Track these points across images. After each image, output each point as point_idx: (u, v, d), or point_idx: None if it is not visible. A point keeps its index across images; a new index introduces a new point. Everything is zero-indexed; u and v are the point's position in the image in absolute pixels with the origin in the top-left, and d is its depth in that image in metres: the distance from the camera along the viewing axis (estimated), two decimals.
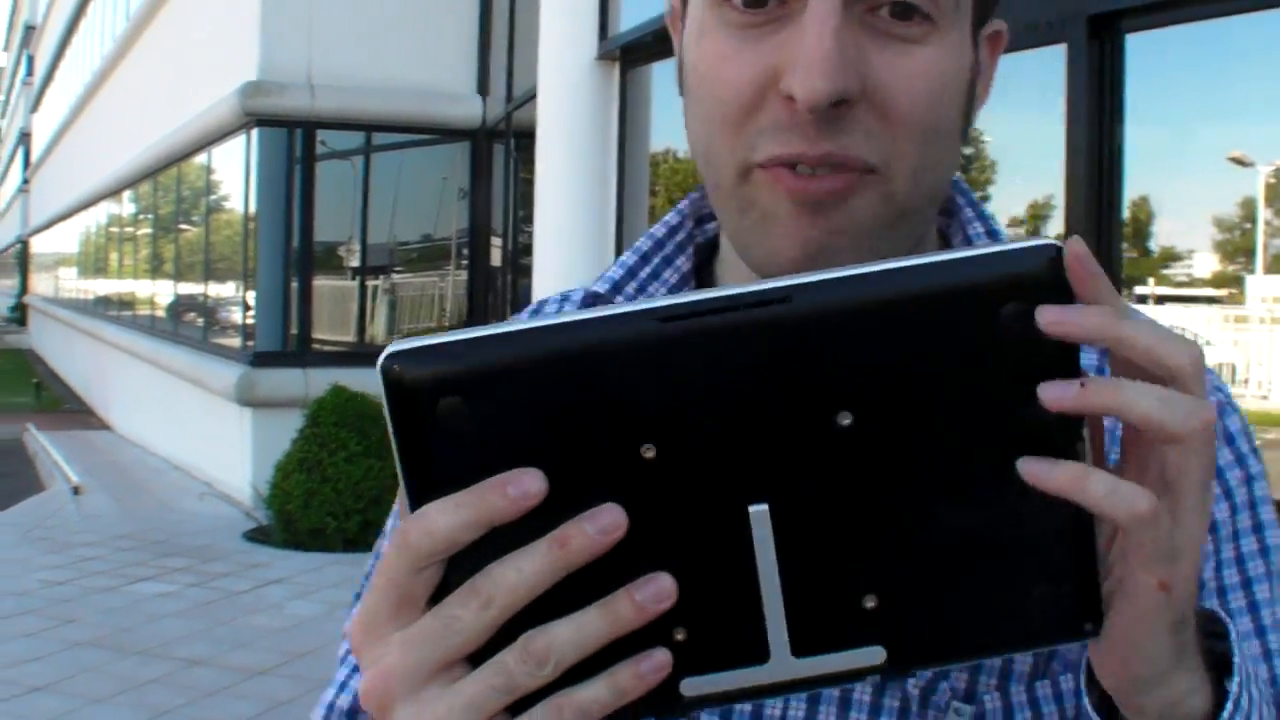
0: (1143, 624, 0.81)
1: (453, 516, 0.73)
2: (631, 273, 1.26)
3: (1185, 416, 0.76)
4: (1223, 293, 7.18)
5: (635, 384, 0.74)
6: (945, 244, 1.27)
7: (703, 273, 1.29)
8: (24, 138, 62.91)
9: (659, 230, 1.30)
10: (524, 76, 11.50)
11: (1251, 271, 7.07)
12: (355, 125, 14.47)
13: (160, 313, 20.87)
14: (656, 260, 1.27)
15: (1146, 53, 5.19)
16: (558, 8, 9.41)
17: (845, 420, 0.74)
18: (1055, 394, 0.75)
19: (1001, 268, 0.75)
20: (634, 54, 9.07)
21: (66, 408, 26.45)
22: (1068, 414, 0.76)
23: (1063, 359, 0.76)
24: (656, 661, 0.75)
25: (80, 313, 30.83)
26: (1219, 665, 0.90)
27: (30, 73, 58.66)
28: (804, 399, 0.74)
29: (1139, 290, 6.67)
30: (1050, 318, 0.74)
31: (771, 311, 0.74)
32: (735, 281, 1.08)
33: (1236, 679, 0.89)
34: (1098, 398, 0.75)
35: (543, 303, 1.36)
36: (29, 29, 58.82)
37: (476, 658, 0.75)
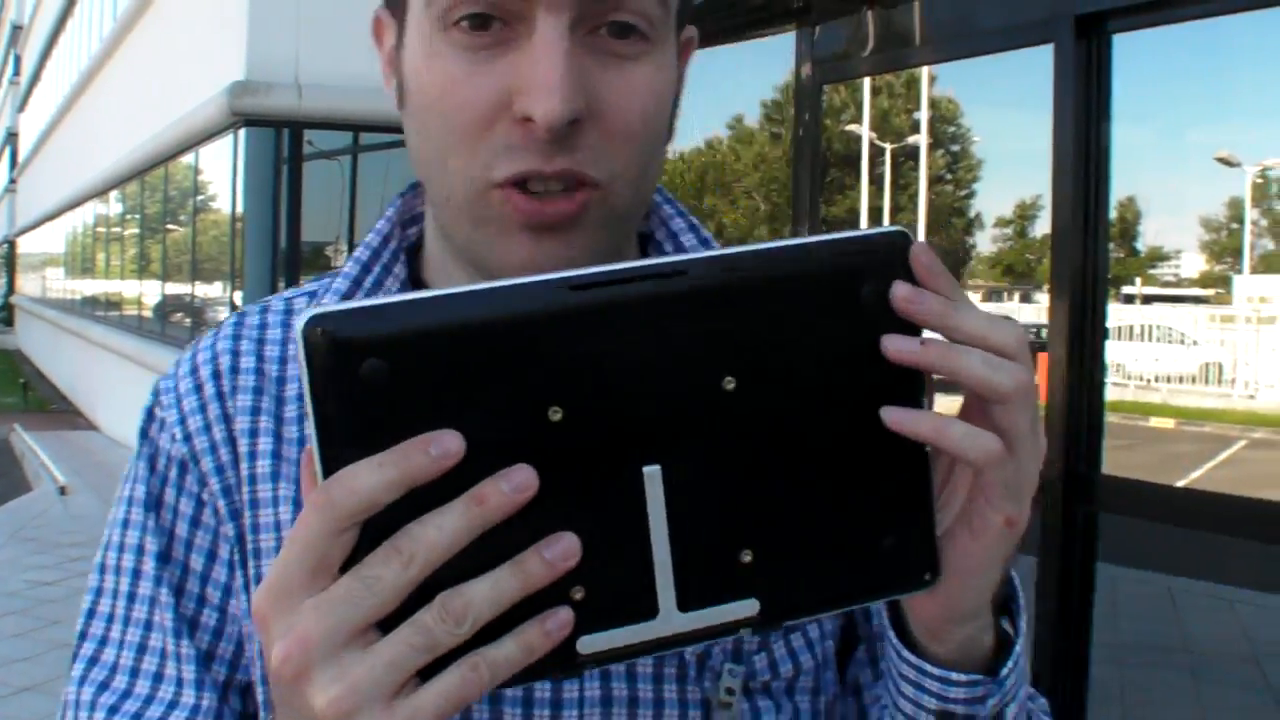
0: (986, 559, 0.93)
1: (376, 475, 0.75)
2: (357, 282, 1.28)
3: (1009, 378, 0.87)
4: (1210, 292, 7.18)
5: (544, 349, 0.77)
6: (644, 240, 1.35)
7: (414, 278, 1.32)
8: (11, 138, 62.83)
9: (374, 239, 1.32)
10: None
11: (1238, 271, 7.09)
12: (343, 125, 14.44)
13: (147, 313, 20.86)
14: (377, 269, 1.30)
15: (1134, 53, 5.20)
16: None
17: (729, 385, 0.80)
18: (898, 345, 0.84)
19: (862, 249, 0.84)
20: None
21: (53, 408, 26.44)
22: (911, 371, 0.85)
23: (909, 332, 0.85)
24: (560, 619, 0.78)
25: (67, 313, 30.82)
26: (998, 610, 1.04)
27: (17, 72, 58.54)
28: (694, 365, 0.79)
29: (1126, 290, 6.68)
30: (901, 293, 0.84)
31: (668, 284, 0.79)
32: (446, 278, 1.25)
33: (1024, 618, 1.08)
34: (936, 357, 0.86)
35: (243, 314, 1.37)
36: (15, 28, 58.69)
37: (387, 623, 0.77)
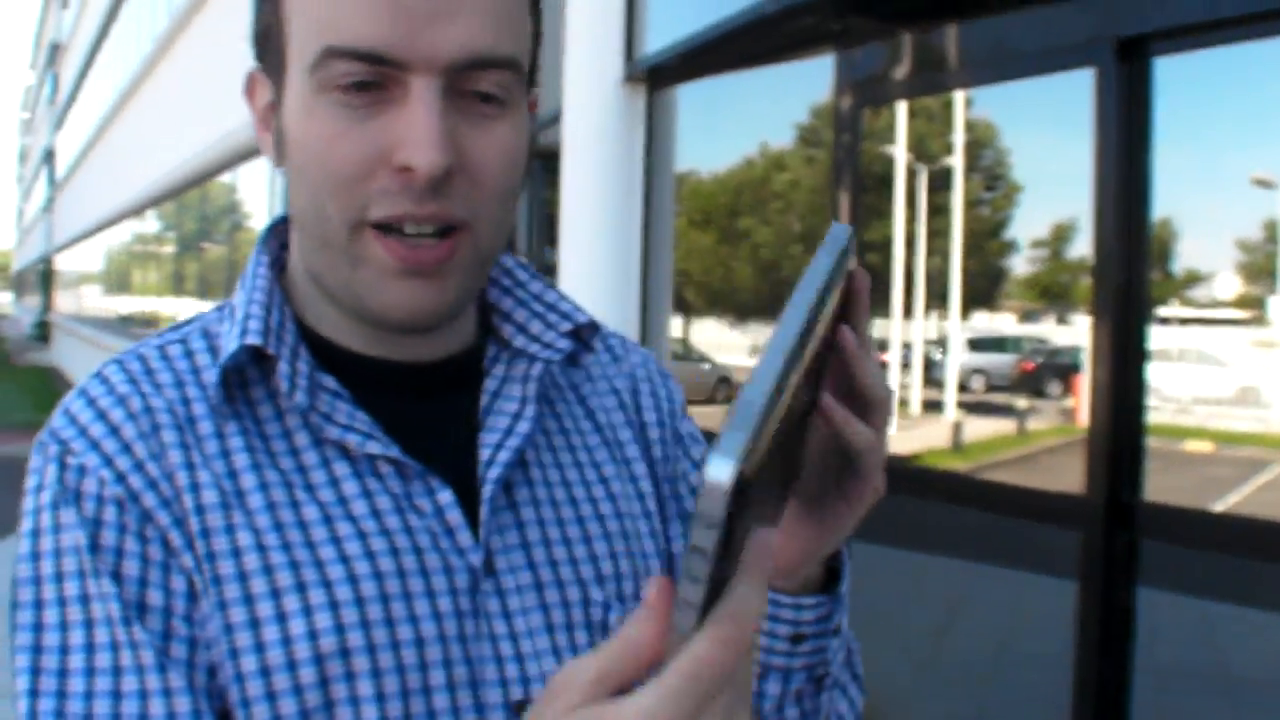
0: (854, 519, 1.25)
1: (758, 597, 0.82)
2: (263, 320, 1.36)
3: (884, 388, 1.17)
4: (1246, 315, 7.18)
5: None
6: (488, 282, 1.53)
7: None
8: (49, 156, 63.18)
9: (261, 277, 1.41)
10: (548, 98, 11.50)
11: (1275, 294, 7.06)
12: None
13: None
14: (273, 306, 1.38)
15: (1171, 76, 5.19)
16: (583, 28, 9.42)
17: None
18: (848, 337, 1.13)
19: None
20: (661, 76, 9.08)
21: None
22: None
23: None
24: None
25: (104, 330, 30.94)
26: None
27: (56, 91, 58.90)
28: None
29: (1162, 312, 6.66)
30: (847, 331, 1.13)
31: None
32: (318, 316, 1.40)
33: (845, 553, 1.43)
34: (859, 352, 1.16)
35: (122, 362, 1.39)
36: (55, 48, 59.06)
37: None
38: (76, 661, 1.20)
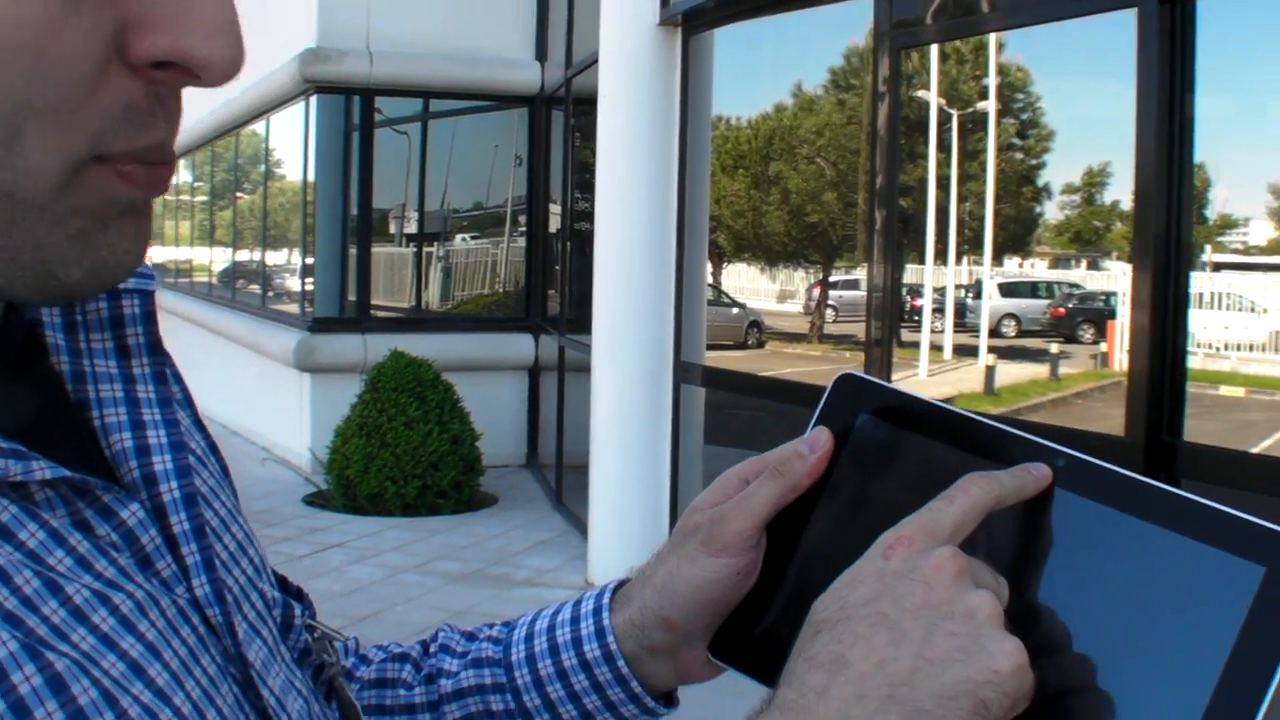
0: None
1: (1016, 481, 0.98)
2: None
3: None
4: (1276, 260, 7.15)
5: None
6: None
7: None
8: None
9: None
10: (584, 42, 11.48)
11: None
12: (413, 92, 14.51)
13: (217, 280, 20.95)
14: None
15: (1209, 18, 5.16)
16: None
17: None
18: None
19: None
20: (696, 19, 9.06)
21: None
22: None
23: None
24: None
25: None
26: None
27: None
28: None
29: (1200, 259, 6.64)
30: None
31: None
32: None
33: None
34: None
35: None
36: None
37: None
38: None
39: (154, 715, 0.79)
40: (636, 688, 1.16)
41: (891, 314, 7.43)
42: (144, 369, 0.97)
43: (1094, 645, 0.91)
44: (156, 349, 0.98)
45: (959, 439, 1.02)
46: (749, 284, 12.39)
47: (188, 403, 1.08)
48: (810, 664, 0.89)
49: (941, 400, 1.18)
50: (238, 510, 1.06)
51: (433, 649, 1.25)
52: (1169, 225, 5.09)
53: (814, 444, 1.07)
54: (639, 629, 1.14)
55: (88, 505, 0.85)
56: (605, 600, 1.18)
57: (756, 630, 1.09)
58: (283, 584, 1.12)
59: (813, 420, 1.09)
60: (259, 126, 17.44)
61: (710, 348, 10.45)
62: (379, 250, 14.85)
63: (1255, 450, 6.33)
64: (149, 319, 0.98)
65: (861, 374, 1.10)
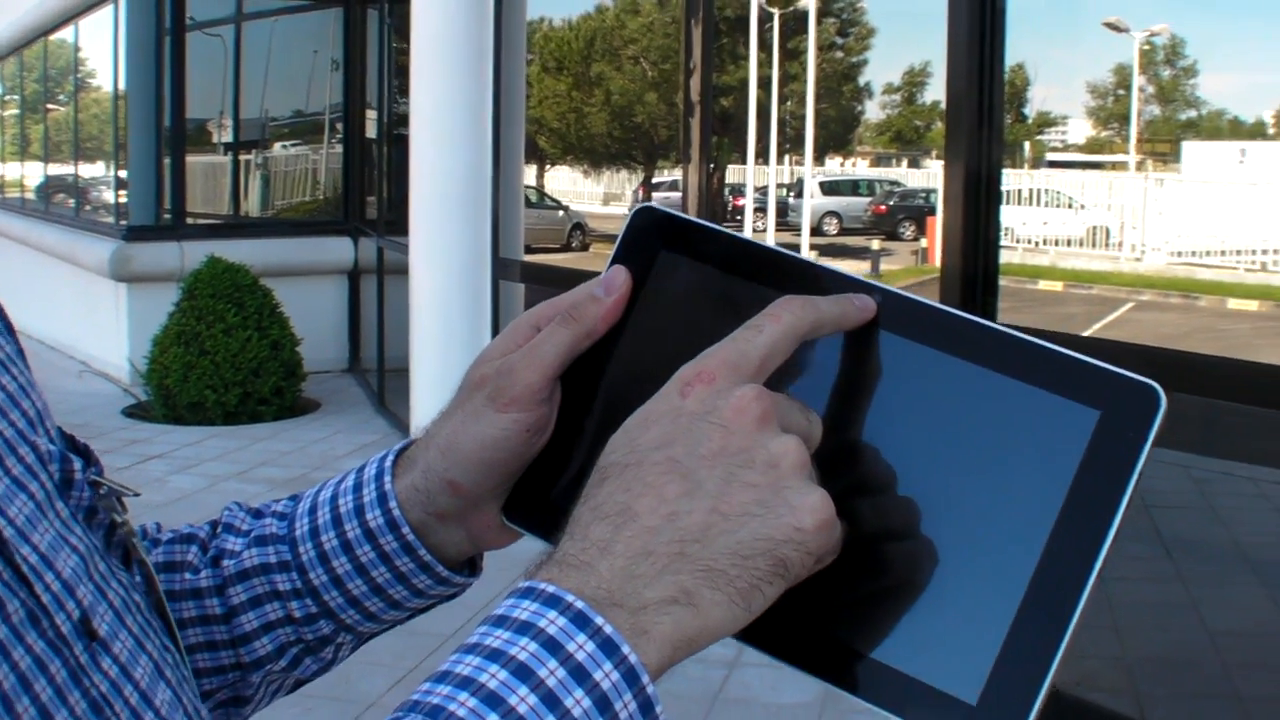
0: None
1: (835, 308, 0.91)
2: None
3: None
4: (1097, 158, 7.26)
5: None
6: None
7: None
8: None
9: None
10: None
11: (1126, 138, 7.14)
12: None
13: (30, 194, 20.54)
14: None
15: None
16: None
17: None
18: None
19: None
20: None
21: None
22: None
23: None
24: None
25: None
26: None
27: None
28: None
29: (1019, 156, 6.72)
30: None
31: None
32: None
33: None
34: None
35: None
36: None
37: None
38: None
39: None
40: (426, 556, 1.06)
41: (714, 214, 7.43)
42: None
43: (918, 491, 0.86)
44: None
45: (767, 274, 0.95)
46: (573, 187, 12.39)
47: None
48: (596, 514, 0.82)
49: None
50: (21, 364, 1.02)
51: (219, 529, 1.16)
52: (980, 121, 5.13)
53: (609, 285, 0.99)
54: (424, 494, 1.05)
55: None
56: (388, 464, 1.08)
57: (554, 491, 1.02)
58: (70, 441, 1.04)
59: (610, 259, 1.01)
60: (67, 34, 17.05)
61: (534, 251, 10.46)
62: (197, 159, 14.67)
63: None
64: None
65: (661, 207, 1.02)
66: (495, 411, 1.00)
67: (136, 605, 0.95)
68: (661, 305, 0.99)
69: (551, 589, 0.79)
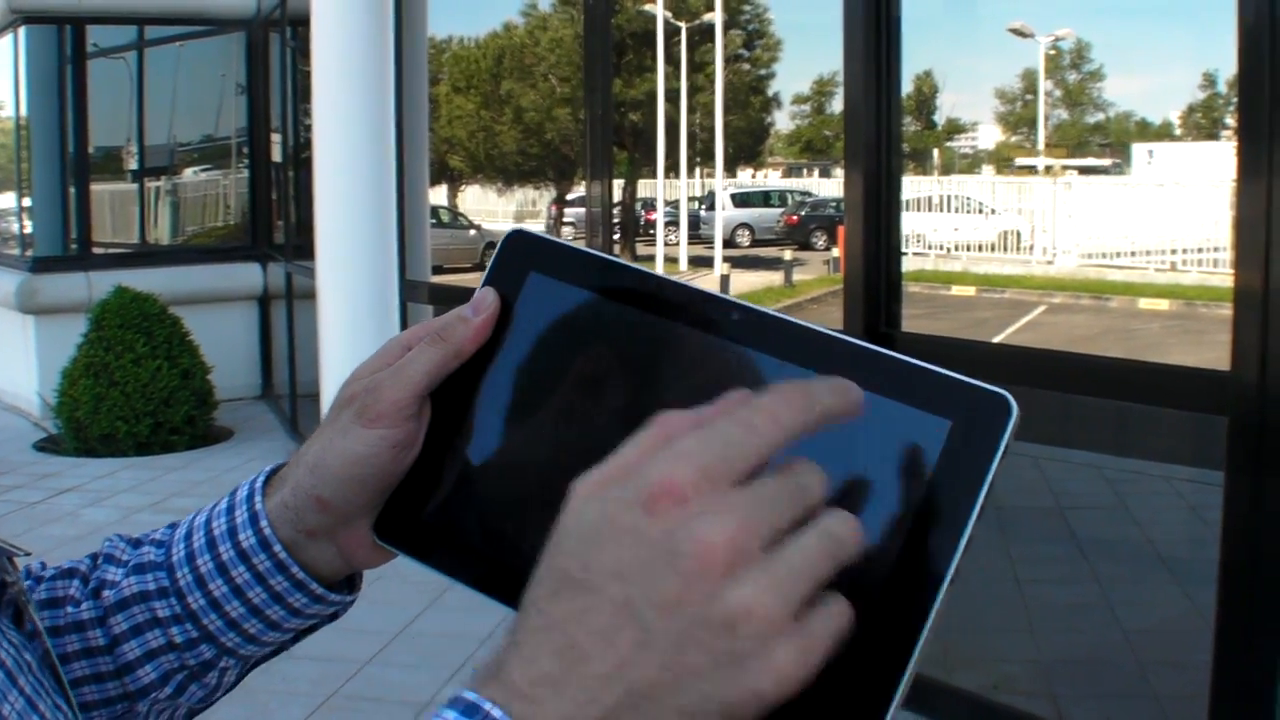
0: None
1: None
2: None
3: None
4: (1006, 163, 7.34)
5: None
6: None
7: None
8: None
9: None
10: None
11: (1034, 142, 7.21)
12: (125, 19, 14.19)
13: None
14: None
15: None
16: None
17: None
18: None
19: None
20: None
21: None
22: None
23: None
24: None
25: None
26: None
27: None
28: None
29: (928, 163, 6.76)
30: None
31: None
32: None
33: None
34: None
35: None
36: None
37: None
38: None
39: None
40: (300, 574, 1.07)
41: (625, 228, 7.44)
42: None
43: None
44: None
45: (633, 295, 0.96)
46: (486, 206, 12.38)
47: None
48: (544, 638, 0.76)
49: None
50: None
51: (100, 561, 1.17)
52: (878, 128, 5.17)
53: (478, 305, 1.01)
54: (293, 511, 1.06)
55: None
56: (259, 484, 1.10)
57: (426, 510, 1.03)
58: None
59: (482, 281, 1.03)
60: None
61: (447, 270, 10.45)
62: (103, 187, 14.58)
63: None
64: None
65: (532, 230, 1.05)
66: (362, 427, 1.01)
67: (28, 665, 0.95)
68: (531, 326, 1.01)
69: (498, 714, 0.75)
